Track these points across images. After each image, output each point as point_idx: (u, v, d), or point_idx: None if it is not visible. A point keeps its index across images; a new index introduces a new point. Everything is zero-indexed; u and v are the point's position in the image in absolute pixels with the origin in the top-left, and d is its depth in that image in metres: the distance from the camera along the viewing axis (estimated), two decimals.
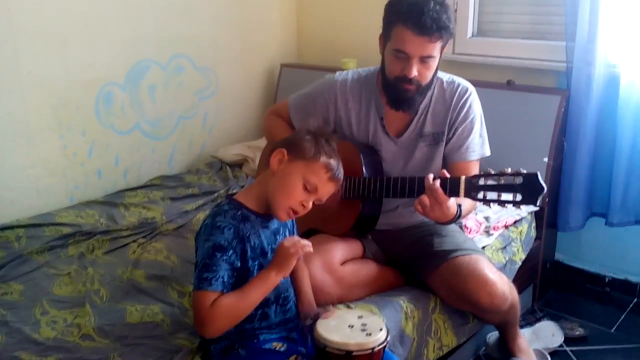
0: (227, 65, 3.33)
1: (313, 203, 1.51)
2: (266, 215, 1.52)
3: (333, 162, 1.50)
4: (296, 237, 1.46)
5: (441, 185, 1.66)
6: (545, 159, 2.50)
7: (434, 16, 1.75)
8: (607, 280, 2.75)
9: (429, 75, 1.87)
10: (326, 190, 1.51)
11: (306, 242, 1.43)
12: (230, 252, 1.42)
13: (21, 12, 2.44)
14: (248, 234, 1.47)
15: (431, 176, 1.68)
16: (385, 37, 1.88)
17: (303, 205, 1.48)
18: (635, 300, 2.68)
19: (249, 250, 1.46)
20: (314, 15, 3.58)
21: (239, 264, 1.44)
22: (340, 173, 1.53)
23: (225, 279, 1.40)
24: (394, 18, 1.81)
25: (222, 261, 1.40)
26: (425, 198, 1.68)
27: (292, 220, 1.64)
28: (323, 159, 1.48)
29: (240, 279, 1.45)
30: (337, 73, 2.07)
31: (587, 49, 2.43)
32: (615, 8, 2.40)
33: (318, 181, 1.47)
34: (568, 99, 2.51)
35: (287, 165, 1.48)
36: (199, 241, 1.46)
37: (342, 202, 1.95)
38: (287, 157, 1.49)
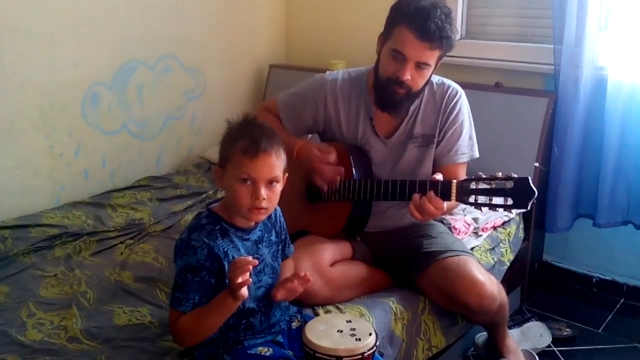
0: (216, 65, 3.31)
1: (270, 186, 1.42)
2: (246, 228, 1.50)
3: (246, 140, 1.40)
4: (238, 258, 1.34)
5: (433, 188, 1.67)
6: (537, 164, 2.51)
7: (439, 24, 1.75)
8: (594, 280, 2.77)
9: (421, 82, 1.87)
10: (258, 168, 1.40)
11: (248, 260, 1.31)
12: (204, 272, 1.41)
13: (6, 11, 2.41)
14: (226, 249, 1.45)
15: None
16: (385, 36, 1.87)
17: (256, 198, 1.40)
18: (622, 300, 2.70)
19: (226, 266, 1.43)
20: (303, 17, 3.58)
21: (213, 282, 1.41)
22: (264, 142, 1.40)
23: (197, 300, 1.41)
24: (398, 18, 1.81)
25: (193, 282, 1.40)
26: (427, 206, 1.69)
27: (280, 223, 1.62)
28: (238, 146, 1.40)
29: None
30: (327, 73, 2.07)
31: (574, 51, 2.45)
32: (602, 11, 2.43)
33: (245, 167, 1.39)
34: (556, 101, 2.53)
35: (223, 178, 1.46)
36: (175, 257, 1.45)
37: (332, 203, 1.94)
38: (220, 171, 1.47)
